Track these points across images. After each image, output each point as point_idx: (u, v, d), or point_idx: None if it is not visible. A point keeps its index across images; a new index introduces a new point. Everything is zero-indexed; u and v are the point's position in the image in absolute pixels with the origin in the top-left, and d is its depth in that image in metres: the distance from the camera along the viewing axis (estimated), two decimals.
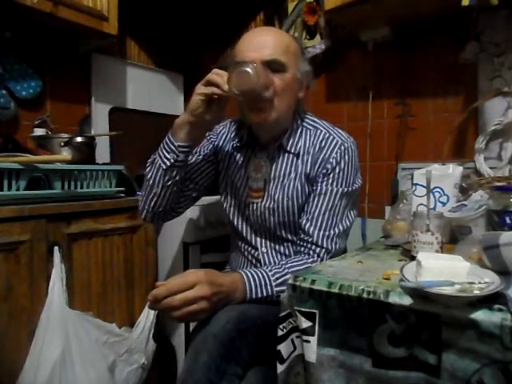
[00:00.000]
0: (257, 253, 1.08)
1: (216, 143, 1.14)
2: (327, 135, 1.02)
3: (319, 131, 1.03)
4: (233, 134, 1.13)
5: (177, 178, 1.01)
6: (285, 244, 1.06)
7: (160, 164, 0.98)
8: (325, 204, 0.98)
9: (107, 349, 1.23)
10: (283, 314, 0.74)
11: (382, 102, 1.62)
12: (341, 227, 0.99)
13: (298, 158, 1.02)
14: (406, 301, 0.61)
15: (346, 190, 0.99)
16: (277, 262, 1.02)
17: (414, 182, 1.06)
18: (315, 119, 1.07)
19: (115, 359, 1.25)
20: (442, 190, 1.02)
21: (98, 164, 1.52)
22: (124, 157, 1.85)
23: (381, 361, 0.63)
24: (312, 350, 0.68)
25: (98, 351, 1.19)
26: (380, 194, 1.61)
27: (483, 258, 0.70)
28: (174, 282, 0.81)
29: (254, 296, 0.89)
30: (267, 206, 1.03)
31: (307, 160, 1.01)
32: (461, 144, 1.44)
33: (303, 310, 0.70)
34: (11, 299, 1.09)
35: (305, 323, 0.69)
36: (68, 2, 1.44)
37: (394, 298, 0.62)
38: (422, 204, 0.98)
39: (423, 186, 0.95)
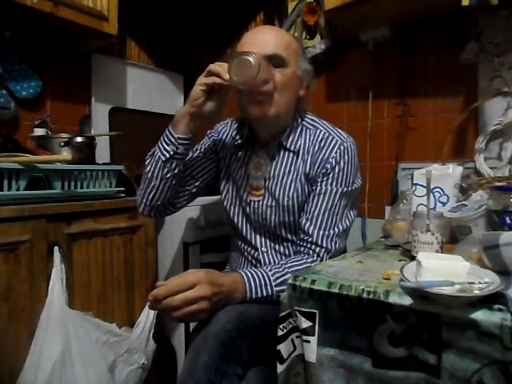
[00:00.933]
0: (256, 253, 1.08)
1: (217, 141, 1.14)
2: (327, 135, 1.02)
3: (319, 131, 1.03)
4: (234, 133, 1.13)
5: (176, 170, 1.01)
6: (285, 244, 1.06)
7: (159, 156, 0.99)
8: (324, 204, 0.98)
9: (107, 349, 1.23)
10: (283, 313, 0.74)
11: (382, 101, 1.62)
12: (340, 227, 0.99)
13: (297, 157, 1.02)
14: (406, 301, 0.61)
15: (345, 189, 0.99)
16: (277, 261, 1.02)
17: (414, 181, 1.06)
18: (315, 119, 1.07)
19: (115, 359, 1.25)
20: (442, 189, 1.02)
21: (98, 164, 1.52)
22: (124, 157, 1.85)
23: (381, 361, 0.63)
24: (312, 349, 0.68)
25: (98, 351, 1.19)
26: (380, 194, 1.61)
27: (483, 258, 0.70)
28: (174, 282, 0.81)
29: (253, 296, 0.89)
30: (268, 204, 1.03)
31: (307, 159, 1.01)
32: (461, 144, 1.44)
33: (303, 309, 0.70)
34: (11, 299, 1.09)
35: (305, 323, 0.69)
36: (68, 2, 1.44)
37: (394, 298, 0.62)
38: (421, 204, 0.98)
39: (423, 186, 0.95)
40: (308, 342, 0.69)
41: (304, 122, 1.06)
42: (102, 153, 1.78)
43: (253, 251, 1.09)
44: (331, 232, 0.97)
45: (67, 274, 1.20)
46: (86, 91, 1.85)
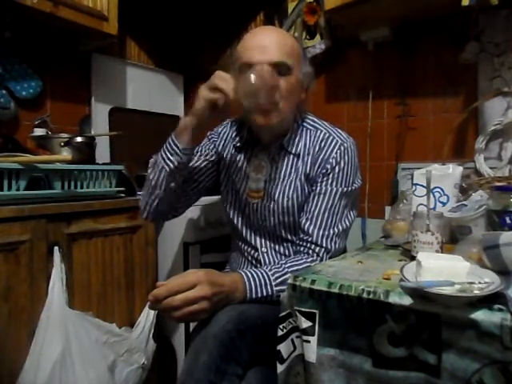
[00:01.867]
0: (257, 253, 1.08)
1: (217, 143, 1.14)
2: (327, 135, 1.02)
3: (319, 131, 1.03)
4: (233, 134, 1.13)
5: (180, 180, 1.01)
6: (285, 244, 1.06)
7: (163, 166, 0.98)
8: (324, 203, 0.98)
9: (107, 349, 1.23)
10: (283, 313, 0.74)
11: (382, 101, 1.62)
12: (340, 227, 0.99)
13: (298, 159, 1.02)
14: (406, 301, 0.61)
15: (345, 189, 0.99)
16: (276, 261, 1.02)
17: (414, 182, 1.06)
18: (315, 119, 1.07)
19: (115, 359, 1.25)
20: (442, 189, 1.02)
21: (98, 164, 1.52)
22: (124, 157, 1.85)
23: (381, 361, 0.63)
24: (312, 350, 0.68)
25: (98, 351, 1.19)
26: (380, 194, 1.61)
27: (483, 258, 0.70)
28: (174, 282, 0.81)
29: (254, 296, 0.89)
30: (267, 206, 1.03)
31: (307, 160, 1.01)
32: (461, 144, 1.44)
33: (303, 309, 0.70)
34: (11, 299, 1.09)
35: (305, 323, 0.69)
36: (68, 2, 1.44)
37: (394, 298, 0.62)
38: (421, 204, 0.98)
39: (423, 186, 0.95)
40: (308, 342, 0.69)
41: (304, 124, 1.06)
42: (102, 153, 1.78)
43: (253, 251, 1.09)
44: (331, 232, 0.97)
45: (67, 274, 1.20)
46: (86, 91, 1.85)
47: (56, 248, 1.17)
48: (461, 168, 1.03)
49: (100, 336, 1.22)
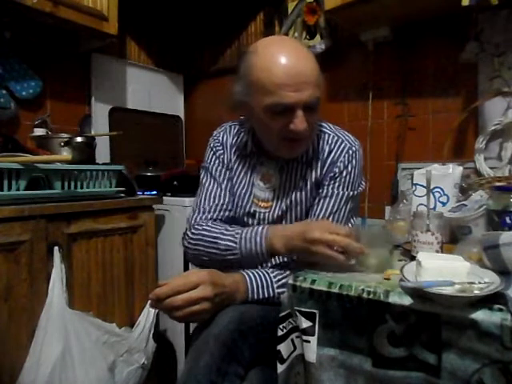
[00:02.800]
0: None
1: (223, 156, 1.08)
2: (335, 138, 1.00)
3: (327, 135, 1.01)
4: (234, 140, 1.09)
5: None
6: None
7: (227, 256, 0.92)
8: (330, 207, 0.97)
9: (107, 349, 1.23)
10: (283, 313, 0.74)
11: (382, 101, 1.62)
12: None
13: (308, 166, 1.01)
14: (406, 301, 0.61)
15: (351, 193, 0.98)
16: (278, 262, 1.02)
17: (414, 182, 1.06)
18: (322, 123, 1.04)
19: (115, 359, 1.25)
20: (442, 189, 1.02)
21: (98, 164, 1.52)
22: (124, 157, 1.85)
23: (381, 361, 0.63)
24: (312, 350, 0.68)
25: (98, 351, 1.19)
26: (380, 194, 1.61)
27: (483, 258, 0.70)
28: (176, 281, 0.80)
29: (255, 297, 0.88)
30: (275, 215, 1.02)
31: (317, 166, 1.00)
32: (461, 144, 1.44)
33: (303, 309, 0.70)
34: (11, 299, 1.09)
35: (305, 323, 0.70)
36: (68, 2, 1.44)
37: (394, 298, 0.62)
38: (422, 204, 0.98)
39: (423, 186, 0.95)
40: (308, 342, 0.69)
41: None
42: (102, 153, 1.78)
43: None
44: None
45: (67, 274, 1.20)
46: (86, 91, 1.85)
47: (56, 248, 1.17)
48: (461, 168, 1.04)
49: (100, 336, 1.22)
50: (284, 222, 1.02)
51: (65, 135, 1.43)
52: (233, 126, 1.10)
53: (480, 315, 0.56)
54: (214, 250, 0.92)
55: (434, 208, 0.98)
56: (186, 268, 1.54)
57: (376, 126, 1.63)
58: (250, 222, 1.04)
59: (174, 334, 1.58)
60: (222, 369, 0.76)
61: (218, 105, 2.16)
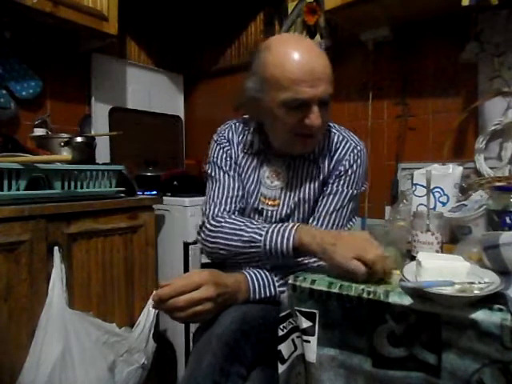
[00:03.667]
0: None
1: (230, 151, 1.07)
2: (341, 138, 1.02)
3: (333, 134, 1.03)
4: (240, 138, 1.09)
5: None
6: None
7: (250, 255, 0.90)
8: (333, 204, 0.98)
9: (107, 349, 1.23)
10: (283, 313, 0.74)
11: (382, 101, 1.62)
12: (346, 229, 0.99)
13: (314, 164, 1.02)
14: (406, 301, 0.61)
15: (355, 192, 0.99)
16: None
17: (414, 182, 1.06)
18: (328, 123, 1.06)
19: (115, 359, 1.25)
20: (442, 189, 1.02)
21: (98, 164, 1.52)
22: (124, 157, 1.85)
23: (381, 361, 0.63)
24: (312, 350, 0.68)
25: (98, 351, 1.19)
26: (380, 194, 1.61)
27: (483, 258, 0.70)
28: (179, 282, 0.80)
29: (257, 296, 0.88)
30: (283, 212, 1.02)
31: (323, 164, 1.01)
32: (461, 144, 1.44)
33: (303, 309, 0.70)
34: (11, 299, 1.09)
35: (305, 323, 0.69)
36: (68, 2, 1.44)
37: (393, 298, 0.62)
38: (422, 204, 0.98)
39: (423, 186, 0.95)
40: (308, 342, 0.69)
41: None
42: (102, 153, 1.78)
43: None
44: None
45: (67, 274, 1.20)
46: (86, 91, 1.85)
47: (56, 248, 1.17)
48: (461, 168, 1.04)
49: (100, 336, 1.22)
50: (291, 220, 1.02)
51: (65, 135, 1.43)
52: (237, 124, 1.10)
53: (480, 315, 0.56)
54: (235, 243, 0.90)
55: (434, 208, 0.98)
56: (186, 268, 1.54)
57: (376, 125, 1.63)
58: (257, 218, 1.04)
59: (174, 334, 1.58)
60: (225, 369, 0.76)
61: (218, 105, 2.16)
